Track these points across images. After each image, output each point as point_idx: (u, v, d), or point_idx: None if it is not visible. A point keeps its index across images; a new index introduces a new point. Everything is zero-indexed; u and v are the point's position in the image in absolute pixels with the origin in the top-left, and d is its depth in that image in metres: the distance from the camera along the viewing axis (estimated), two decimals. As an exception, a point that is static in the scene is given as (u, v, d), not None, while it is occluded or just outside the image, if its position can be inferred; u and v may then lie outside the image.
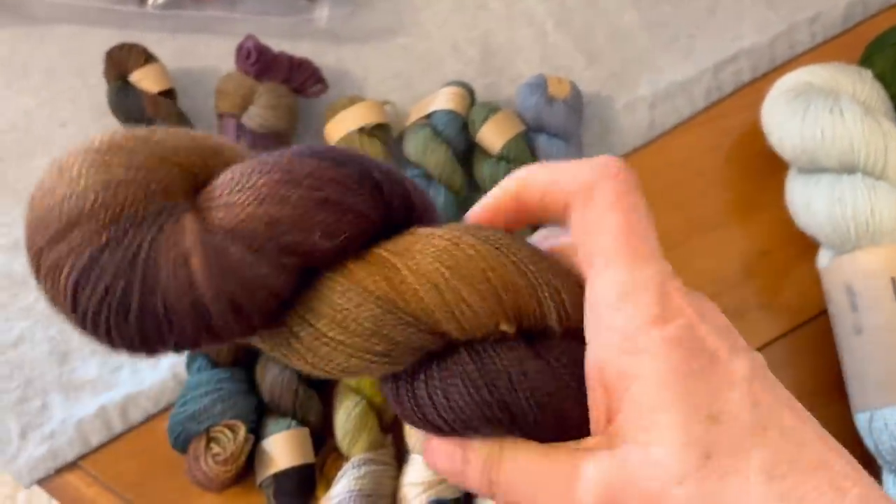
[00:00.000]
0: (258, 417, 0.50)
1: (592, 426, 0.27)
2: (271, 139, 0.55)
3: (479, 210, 0.31)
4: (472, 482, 0.29)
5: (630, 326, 0.26)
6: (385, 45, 0.64)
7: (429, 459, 0.30)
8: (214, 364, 0.50)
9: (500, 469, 0.28)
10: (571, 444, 0.27)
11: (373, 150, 0.56)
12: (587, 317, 0.27)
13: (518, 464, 0.28)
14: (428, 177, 0.56)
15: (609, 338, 0.26)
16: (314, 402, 0.50)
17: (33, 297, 0.55)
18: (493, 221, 0.31)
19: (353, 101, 0.58)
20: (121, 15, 0.62)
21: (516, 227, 0.31)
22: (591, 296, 0.27)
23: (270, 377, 0.50)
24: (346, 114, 0.57)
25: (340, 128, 0.57)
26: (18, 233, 0.56)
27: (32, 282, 0.55)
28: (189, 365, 0.51)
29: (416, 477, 0.46)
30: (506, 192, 0.31)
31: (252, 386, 0.51)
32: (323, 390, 0.52)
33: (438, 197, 0.54)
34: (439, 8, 0.65)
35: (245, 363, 0.51)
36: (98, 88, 0.60)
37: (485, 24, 0.65)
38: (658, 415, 0.25)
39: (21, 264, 0.56)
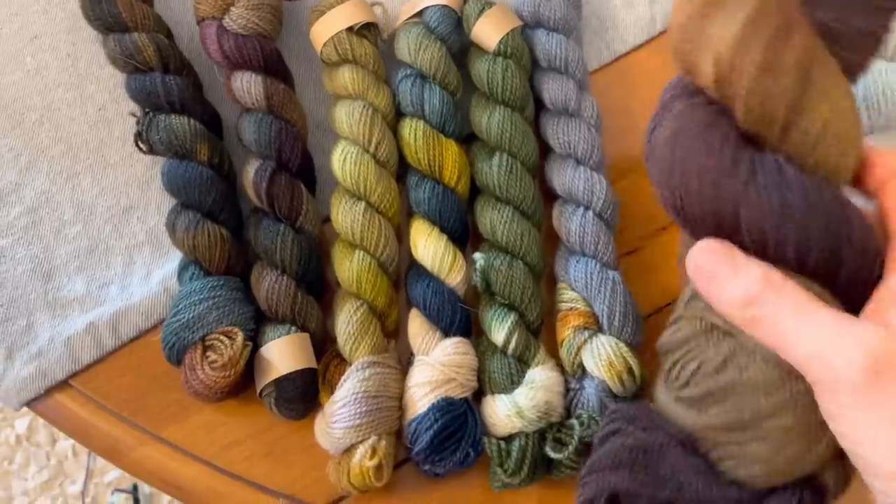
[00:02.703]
0: (255, 326, 0.48)
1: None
2: (253, 41, 0.52)
3: None
4: (726, 300, 0.30)
5: None
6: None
7: (694, 257, 0.31)
8: (207, 272, 0.48)
9: (771, 298, 0.29)
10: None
11: (362, 51, 0.53)
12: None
13: (791, 301, 0.28)
14: (422, 77, 0.53)
15: None
16: (314, 308, 0.48)
17: (13, 215, 0.52)
18: None
19: (339, 1, 0.55)
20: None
21: None
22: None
23: (267, 284, 0.47)
24: (334, 13, 0.54)
25: (327, 28, 0.54)
26: (-7, 150, 0.54)
27: (10, 198, 0.53)
28: (180, 274, 0.49)
29: (422, 377, 0.45)
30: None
31: (247, 294, 0.48)
32: (320, 298, 0.50)
33: (434, 98, 0.52)
34: None
35: (238, 271, 0.49)
36: (69, -2, 0.57)
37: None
38: None
39: (-3, 182, 0.53)
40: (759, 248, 0.32)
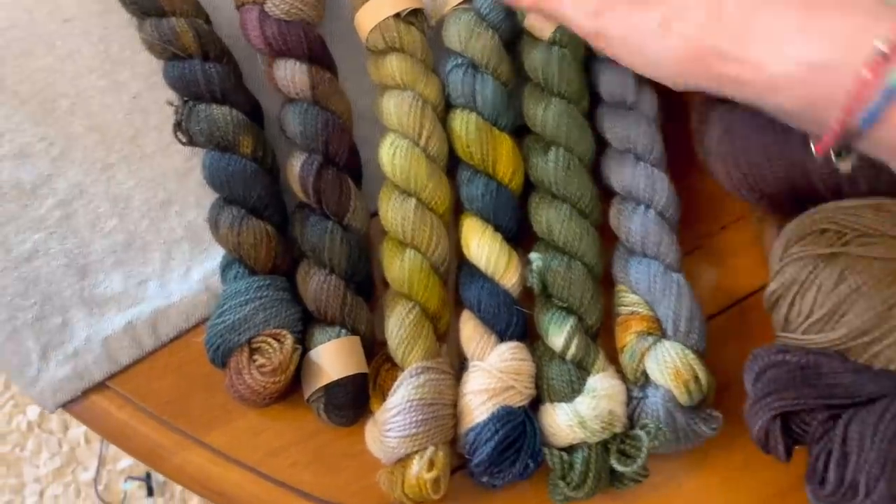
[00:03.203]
0: (303, 328, 0.46)
1: None
2: (298, 28, 0.50)
3: None
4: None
5: None
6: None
7: None
8: (252, 271, 0.46)
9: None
10: None
11: (410, 39, 0.51)
12: None
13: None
14: (474, 67, 0.51)
15: None
16: (363, 309, 0.46)
17: (46, 208, 0.50)
18: None
19: (385, -14, 0.52)
20: None
21: None
22: None
23: (315, 284, 0.45)
24: (380, 0, 0.52)
25: (373, 15, 0.51)
26: (23, 139, 0.51)
27: (43, 191, 0.50)
28: (223, 273, 0.47)
29: (479, 384, 0.43)
30: None
31: (294, 294, 0.46)
32: (368, 298, 0.48)
33: (486, 89, 0.49)
34: None
35: (284, 270, 0.47)
36: (102, -21, 0.55)
37: None
38: None
39: (29, 172, 0.51)
40: (835, 194, 0.42)
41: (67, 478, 1.24)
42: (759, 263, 0.50)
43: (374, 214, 0.50)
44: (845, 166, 0.37)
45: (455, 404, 0.44)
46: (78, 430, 1.26)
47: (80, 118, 0.52)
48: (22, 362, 0.47)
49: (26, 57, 0.53)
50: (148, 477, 1.22)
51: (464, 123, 0.49)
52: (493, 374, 0.43)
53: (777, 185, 0.44)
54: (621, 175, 0.48)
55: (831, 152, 0.36)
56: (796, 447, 0.41)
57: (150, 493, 1.22)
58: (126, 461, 1.24)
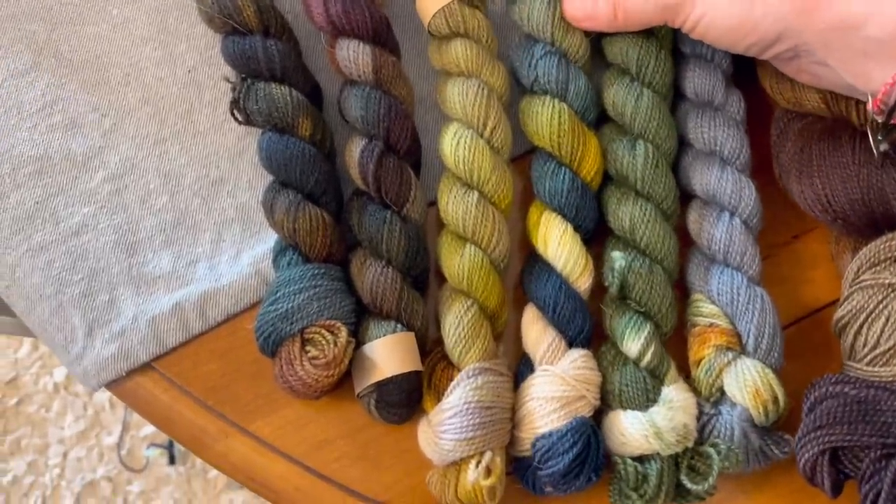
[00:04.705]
0: (356, 319, 0.44)
1: None
2: (362, 6, 0.48)
3: None
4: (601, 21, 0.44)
5: None
6: None
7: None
8: (306, 258, 0.45)
9: None
10: None
11: (475, 24, 0.49)
12: None
13: None
14: (565, 56, 0.48)
15: None
16: (420, 304, 0.44)
17: (96, 181, 0.49)
18: None
19: (449, -34, 0.50)
20: None
21: None
22: None
23: (371, 275, 0.44)
24: (446, -19, 0.49)
25: (437, -2, 0.49)
26: (75, 109, 0.50)
27: (94, 163, 0.49)
28: (276, 258, 0.46)
29: (551, 391, 0.41)
30: None
31: (348, 284, 0.45)
32: (424, 292, 0.46)
33: (580, 81, 0.47)
34: None
35: (338, 258, 0.46)
36: (160, -54, 0.53)
37: None
38: None
39: (80, 144, 0.49)
40: None
41: (91, 441, 1.25)
42: (832, 277, 0.48)
43: (430, 204, 0.48)
44: (884, 146, 0.39)
45: (513, 409, 0.42)
46: (103, 394, 1.26)
47: (134, 90, 0.51)
48: (67, 339, 0.46)
49: (79, 23, 0.51)
50: (170, 445, 1.23)
51: (555, 114, 0.46)
52: (567, 382, 0.41)
53: (853, 208, 0.43)
54: (706, 179, 0.46)
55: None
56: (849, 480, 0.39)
57: (172, 461, 1.22)
58: (149, 428, 1.25)
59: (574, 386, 0.40)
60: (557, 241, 0.44)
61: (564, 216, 0.45)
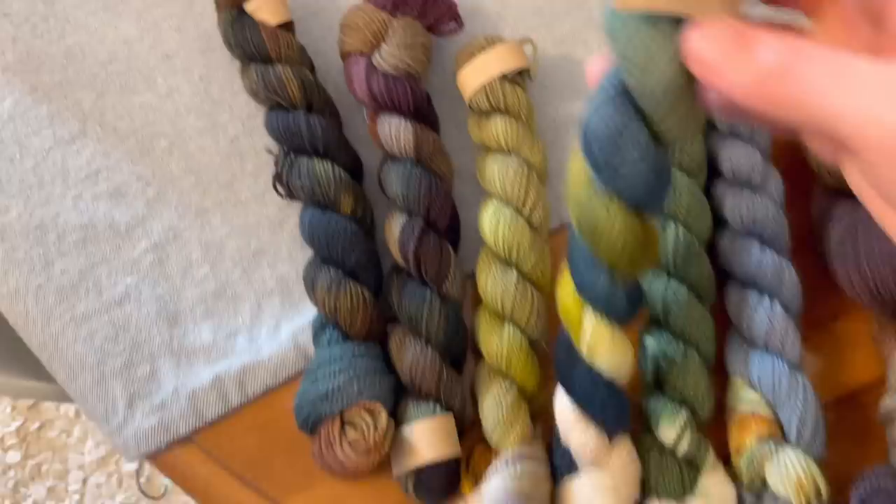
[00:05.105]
0: (395, 399, 0.44)
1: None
2: (404, 83, 0.48)
3: None
4: (738, 83, 0.25)
5: None
6: (522, -22, 0.56)
7: (693, 45, 0.26)
8: (346, 336, 0.45)
9: (798, 67, 0.24)
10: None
11: (515, 100, 0.49)
12: None
13: (821, 62, 0.24)
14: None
15: None
16: (459, 384, 0.45)
17: (139, 251, 0.49)
18: None
19: (490, 42, 0.51)
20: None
21: None
22: None
23: (411, 355, 0.44)
24: (486, 59, 0.50)
25: (479, 75, 0.50)
26: (120, 177, 0.51)
27: (137, 232, 0.50)
28: (316, 335, 0.46)
29: (601, 496, 0.39)
30: None
31: (388, 363, 0.45)
32: (460, 370, 0.47)
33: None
34: (586, -64, 0.57)
35: (377, 335, 0.46)
36: (206, 15, 0.54)
37: (636, -42, 0.57)
38: None
39: (123, 213, 0.50)
40: None
41: (111, 467, 1.25)
42: (873, 358, 0.48)
43: (468, 276, 0.48)
44: None
45: (550, 494, 0.42)
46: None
47: (178, 159, 0.51)
48: (108, 410, 0.47)
49: (127, 92, 0.52)
50: (190, 475, 1.23)
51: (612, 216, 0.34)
52: (618, 491, 0.40)
53: None
54: (745, 260, 0.46)
55: None
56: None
57: (192, 491, 1.23)
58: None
59: (624, 491, 0.40)
60: (609, 351, 0.39)
61: (608, 316, 0.40)
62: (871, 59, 0.23)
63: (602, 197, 0.33)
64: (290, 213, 0.50)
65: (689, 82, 0.27)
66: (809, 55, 0.24)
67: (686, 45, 0.26)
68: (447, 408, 0.44)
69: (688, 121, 0.29)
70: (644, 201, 0.33)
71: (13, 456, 1.25)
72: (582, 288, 0.38)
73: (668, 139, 0.30)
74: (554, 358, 0.42)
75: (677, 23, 0.26)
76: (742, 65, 0.25)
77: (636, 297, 0.39)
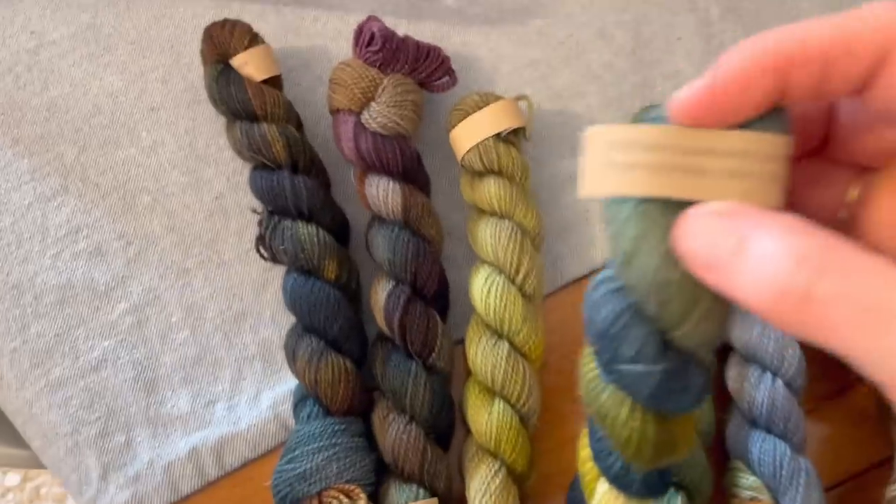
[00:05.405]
0: (376, 479, 0.42)
1: None
2: (393, 143, 0.47)
3: (703, 91, 0.22)
4: (751, 288, 0.19)
5: None
6: (519, 29, 0.55)
7: (684, 236, 0.21)
8: (327, 411, 0.43)
9: (829, 272, 0.18)
10: None
11: (509, 161, 0.47)
12: None
13: (856, 263, 0.18)
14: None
15: None
16: (443, 464, 0.43)
17: (118, 313, 0.48)
18: (725, 105, 0.22)
19: (483, 99, 0.49)
20: (218, -18, 0.54)
21: (753, 111, 0.22)
22: None
23: (393, 433, 0.42)
24: (479, 117, 0.48)
25: (472, 134, 0.48)
26: (101, 236, 0.49)
27: (116, 293, 0.48)
28: (296, 408, 0.44)
29: None
30: (754, 59, 0.21)
31: (370, 440, 0.43)
32: (447, 447, 0.45)
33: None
34: (585, -14, 0.56)
35: (360, 409, 0.44)
36: (192, 67, 0.52)
37: (638, 7, 0.55)
38: None
39: (103, 273, 0.48)
40: None
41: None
42: (879, 437, 0.45)
43: (457, 342, 0.46)
44: None
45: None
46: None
47: (160, 216, 0.50)
48: (81, 480, 0.45)
49: (111, 146, 0.51)
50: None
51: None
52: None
53: None
54: (746, 335, 0.43)
55: None
56: None
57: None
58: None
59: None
60: (604, 502, 0.37)
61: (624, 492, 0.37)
62: None
63: (614, 392, 0.27)
64: (275, 275, 0.49)
65: (688, 276, 0.22)
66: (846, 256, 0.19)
67: (675, 236, 0.22)
68: (430, 490, 0.42)
69: (700, 322, 0.23)
70: (652, 403, 0.27)
71: (13, 479, 1.24)
72: (597, 459, 0.35)
73: (680, 340, 0.24)
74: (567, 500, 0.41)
75: (677, 206, 0.22)
76: (748, 271, 0.19)
77: (657, 482, 0.37)
